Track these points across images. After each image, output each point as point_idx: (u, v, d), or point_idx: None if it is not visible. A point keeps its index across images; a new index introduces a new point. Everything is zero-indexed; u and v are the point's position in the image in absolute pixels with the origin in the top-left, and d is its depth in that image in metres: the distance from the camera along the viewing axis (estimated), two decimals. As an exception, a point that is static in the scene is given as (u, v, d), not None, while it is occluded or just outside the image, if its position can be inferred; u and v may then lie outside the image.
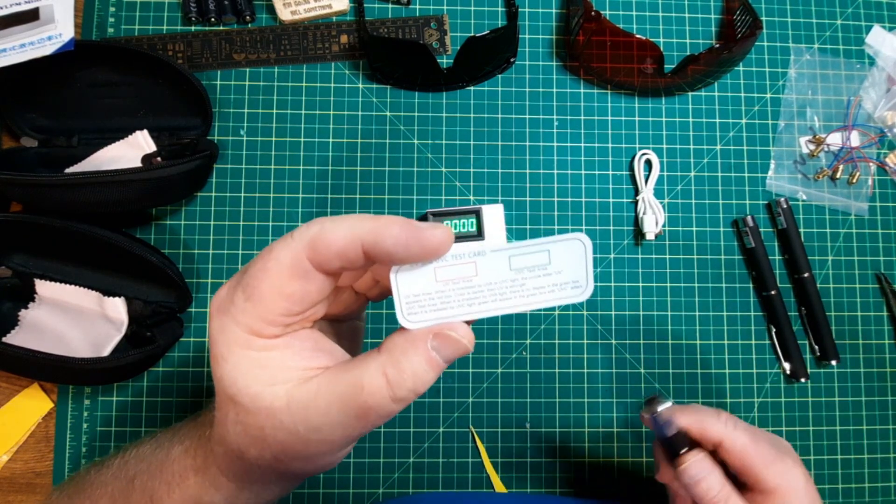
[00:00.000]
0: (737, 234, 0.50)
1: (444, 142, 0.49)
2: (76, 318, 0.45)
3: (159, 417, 0.46)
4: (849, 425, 0.48)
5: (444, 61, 0.50)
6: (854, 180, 0.50)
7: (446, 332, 0.21)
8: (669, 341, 0.48)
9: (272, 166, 0.48)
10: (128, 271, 0.45)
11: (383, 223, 0.20)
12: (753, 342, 0.49)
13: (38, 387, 0.46)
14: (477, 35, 0.44)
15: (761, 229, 0.49)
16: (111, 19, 0.49)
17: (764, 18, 0.51)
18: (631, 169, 0.49)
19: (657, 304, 0.49)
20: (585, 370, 0.48)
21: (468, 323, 0.22)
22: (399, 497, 0.46)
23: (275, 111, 0.49)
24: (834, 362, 0.48)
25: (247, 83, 0.49)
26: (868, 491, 0.48)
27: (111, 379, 0.43)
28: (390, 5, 0.50)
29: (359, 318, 0.29)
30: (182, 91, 0.46)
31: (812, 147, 0.50)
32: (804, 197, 0.50)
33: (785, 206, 0.49)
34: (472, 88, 0.50)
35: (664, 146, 0.50)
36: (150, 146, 0.46)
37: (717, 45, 0.48)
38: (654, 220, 0.48)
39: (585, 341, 0.48)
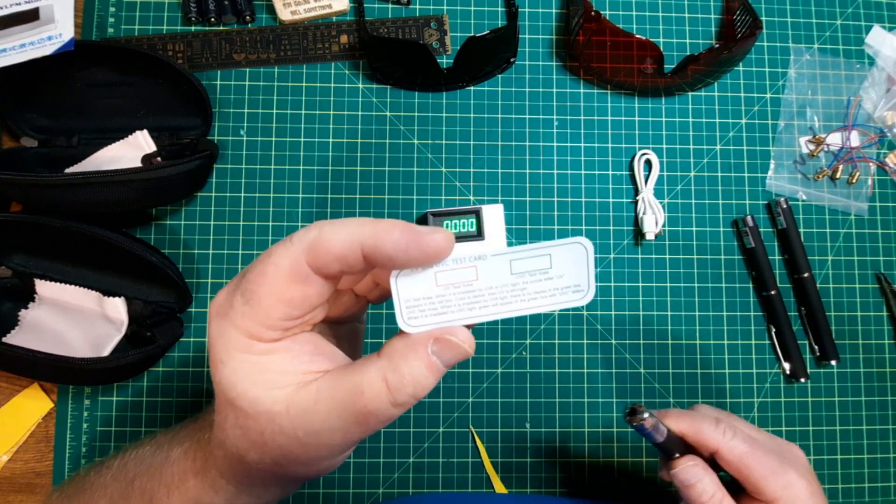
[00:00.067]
0: (737, 234, 0.50)
1: (444, 142, 0.49)
2: (76, 318, 0.45)
3: (159, 417, 0.46)
4: (849, 425, 0.48)
5: (444, 61, 0.50)
6: (854, 180, 0.50)
7: (447, 336, 0.21)
8: (669, 341, 0.48)
9: (272, 166, 0.48)
10: (128, 271, 0.45)
11: (384, 227, 0.20)
12: (753, 342, 0.49)
13: (38, 387, 0.46)
14: (477, 35, 0.44)
15: (761, 229, 0.49)
16: (111, 19, 0.49)
17: (764, 18, 0.51)
18: (631, 169, 0.49)
19: (657, 304, 0.49)
20: (585, 370, 0.48)
21: (469, 327, 0.22)
22: (399, 497, 0.46)
23: (275, 111, 0.49)
24: (834, 362, 0.48)
25: (247, 83, 0.49)
26: (868, 491, 0.48)
27: (111, 379, 0.43)
28: (390, 5, 0.50)
29: (359, 321, 0.29)
30: (182, 91, 0.46)
31: (812, 147, 0.50)
32: (804, 197, 0.50)
33: (785, 206, 0.49)
34: (472, 88, 0.50)
35: (664, 146, 0.50)
36: (150, 146, 0.46)
37: (717, 45, 0.48)
38: (654, 220, 0.48)
39: (585, 341, 0.48)
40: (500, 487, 0.46)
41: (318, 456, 0.22)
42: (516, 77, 0.50)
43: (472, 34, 0.46)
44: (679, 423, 0.34)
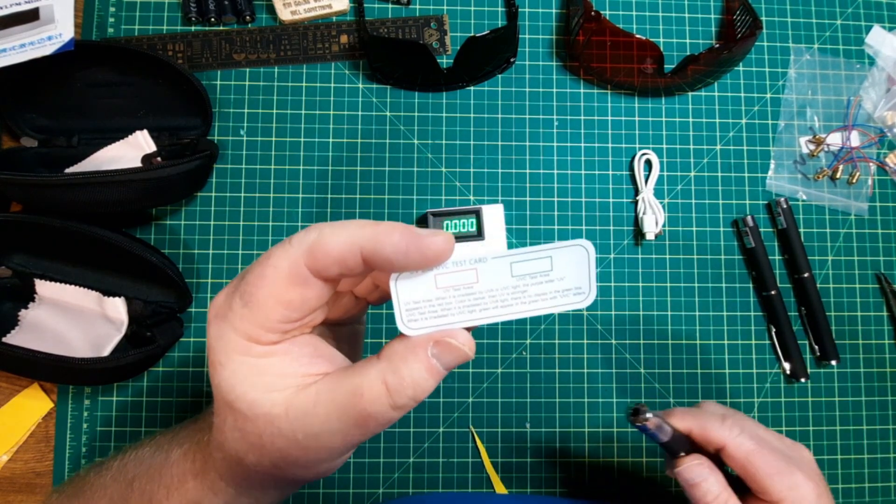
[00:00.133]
0: (737, 234, 0.50)
1: (444, 142, 0.49)
2: (76, 318, 0.45)
3: (159, 417, 0.46)
4: (849, 425, 0.48)
5: (444, 61, 0.50)
6: (854, 180, 0.50)
7: (447, 339, 0.21)
8: (669, 341, 0.48)
9: (272, 166, 0.48)
10: (128, 271, 0.45)
11: (383, 230, 0.20)
12: (753, 342, 0.49)
13: (38, 387, 0.46)
14: (477, 35, 0.44)
15: (761, 229, 0.49)
16: (111, 19, 0.49)
17: (764, 18, 0.51)
18: (631, 169, 0.49)
19: (657, 304, 0.49)
20: (585, 370, 0.48)
21: (469, 330, 0.22)
22: (399, 497, 0.46)
23: (275, 111, 0.49)
24: (834, 362, 0.48)
25: (247, 83, 0.49)
26: (868, 491, 0.48)
27: (111, 379, 0.43)
28: (390, 5, 0.50)
29: (359, 322, 0.29)
30: (182, 91, 0.46)
31: (812, 147, 0.50)
32: (804, 197, 0.50)
33: (785, 206, 0.49)
34: (472, 88, 0.50)
35: (664, 146, 0.50)
36: (150, 146, 0.46)
37: (717, 45, 0.48)
38: (654, 220, 0.48)
39: (585, 341, 0.48)
40: (500, 487, 0.46)
41: (317, 459, 0.22)
42: (516, 77, 0.50)
43: (472, 34, 0.46)
44: (684, 420, 0.33)
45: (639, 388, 0.48)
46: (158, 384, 0.46)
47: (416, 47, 0.44)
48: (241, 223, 0.48)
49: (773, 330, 0.48)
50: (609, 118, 0.50)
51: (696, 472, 0.32)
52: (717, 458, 0.33)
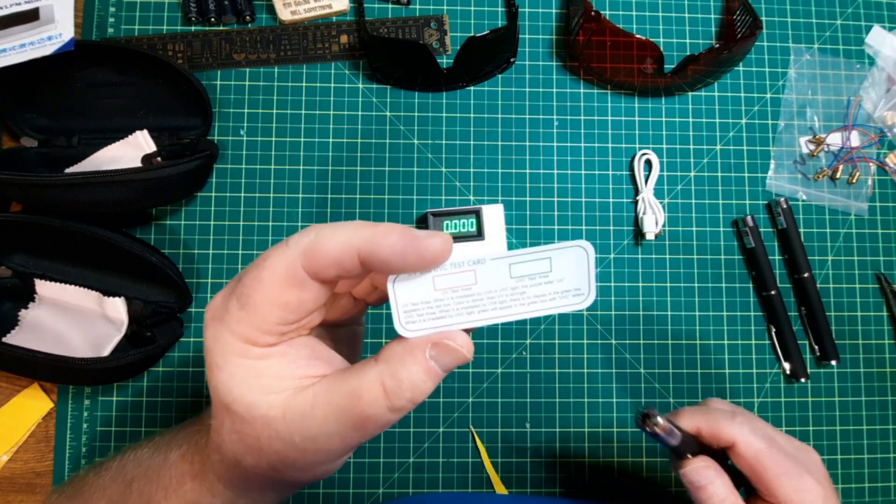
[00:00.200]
0: (737, 234, 0.50)
1: (444, 142, 0.49)
2: (76, 318, 0.45)
3: (159, 417, 0.46)
4: (849, 425, 0.48)
5: (444, 61, 0.50)
6: (854, 180, 0.50)
7: (445, 341, 0.21)
8: (669, 341, 0.48)
9: (272, 166, 0.48)
10: (128, 271, 0.45)
11: (381, 232, 0.20)
12: (753, 342, 0.49)
13: (38, 387, 0.46)
14: (477, 35, 0.44)
15: (761, 229, 0.49)
16: (111, 19, 0.49)
17: (764, 18, 0.51)
18: (631, 169, 0.49)
19: (657, 304, 0.49)
20: (585, 370, 0.48)
21: (468, 331, 0.22)
22: (399, 497, 0.46)
23: (275, 111, 0.49)
24: (834, 362, 0.48)
25: (247, 83, 0.49)
26: (868, 491, 0.48)
27: (111, 379, 0.43)
28: (390, 5, 0.50)
29: (358, 323, 0.28)
30: (182, 91, 0.46)
31: (812, 147, 0.50)
32: (804, 197, 0.50)
33: (785, 206, 0.49)
34: (472, 88, 0.50)
35: (664, 146, 0.50)
36: (150, 146, 0.46)
37: (717, 45, 0.48)
38: (654, 220, 0.48)
39: (585, 341, 0.48)
40: (500, 487, 0.46)
41: (315, 461, 0.22)
42: (516, 77, 0.50)
43: (472, 34, 0.46)
44: (693, 419, 0.32)
45: (639, 388, 0.48)
46: (158, 384, 0.46)
47: (416, 47, 0.44)
48: (241, 223, 0.48)
49: (773, 330, 0.48)
50: (609, 118, 0.50)
51: (703, 474, 0.31)
52: (721, 456, 0.32)
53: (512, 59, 0.50)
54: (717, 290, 0.49)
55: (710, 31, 0.51)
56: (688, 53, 0.50)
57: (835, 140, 0.50)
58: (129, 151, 0.46)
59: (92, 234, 0.42)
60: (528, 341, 0.48)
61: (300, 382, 0.21)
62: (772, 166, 0.50)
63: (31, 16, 0.44)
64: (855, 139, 0.51)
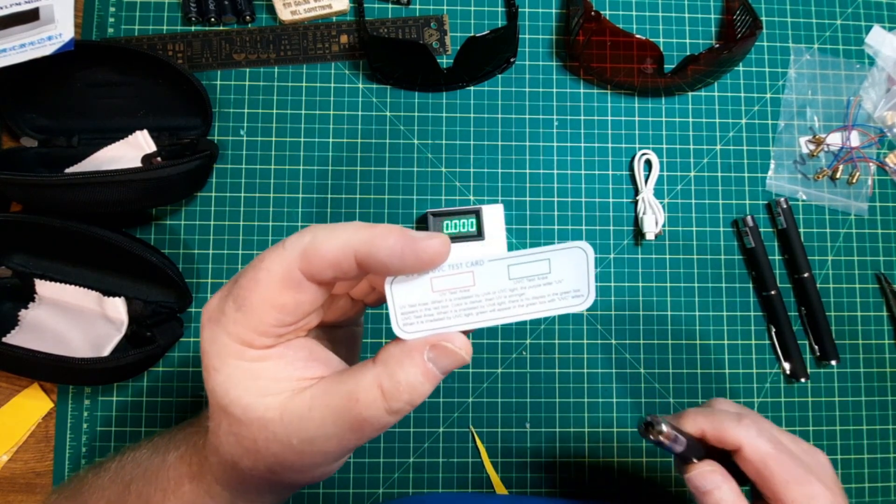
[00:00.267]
0: (737, 234, 0.50)
1: (444, 142, 0.49)
2: (76, 318, 0.45)
3: (159, 417, 0.46)
4: (849, 425, 0.48)
5: (444, 61, 0.50)
6: (854, 180, 0.50)
7: (443, 343, 0.21)
8: (669, 341, 0.48)
9: (272, 166, 0.48)
10: (128, 271, 0.45)
11: (378, 233, 0.20)
12: (753, 342, 0.49)
13: (38, 387, 0.46)
14: (477, 35, 0.44)
15: (761, 229, 0.49)
16: (111, 19, 0.49)
17: (764, 18, 0.51)
18: (631, 169, 0.49)
19: (657, 304, 0.49)
20: (585, 370, 0.48)
21: (466, 333, 0.22)
22: (399, 497, 0.46)
23: (275, 111, 0.49)
24: (834, 362, 0.48)
25: (247, 83, 0.49)
26: (868, 491, 0.48)
27: (111, 379, 0.43)
28: (390, 5, 0.50)
29: (356, 324, 0.28)
30: (182, 91, 0.46)
31: (812, 147, 0.50)
32: (804, 197, 0.50)
33: (785, 206, 0.49)
34: (472, 88, 0.50)
35: (664, 146, 0.50)
36: (150, 146, 0.46)
37: (717, 45, 0.48)
38: (654, 220, 0.48)
39: (585, 341, 0.48)
40: (500, 487, 0.46)
41: (312, 463, 0.22)
42: (516, 77, 0.50)
43: (472, 34, 0.46)
44: (697, 422, 0.31)
45: (639, 388, 0.48)
46: (158, 384, 0.46)
47: (416, 47, 0.44)
48: (241, 223, 0.48)
49: (773, 330, 0.48)
50: (609, 118, 0.50)
51: (709, 479, 0.30)
52: (727, 458, 0.31)
53: (512, 59, 0.50)
54: (717, 290, 0.49)
55: (710, 31, 0.51)
56: (688, 53, 0.50)
57: (835, 140, 0.50)
58: (129, 151, 0.46)
59: (92, 234, 0.42)
60: (528, 341, 0.48)
61: (298, 384, 0.21)
62: (772, 166, 0.50)
63: (31, 16, 0.44)
64: (855, 139, 0.51)
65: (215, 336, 0.21)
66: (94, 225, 0.42)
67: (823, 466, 0.31)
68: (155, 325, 0.44)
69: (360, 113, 0.49)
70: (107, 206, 0.42)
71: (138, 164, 0.45)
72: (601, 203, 0.49)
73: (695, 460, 0.31)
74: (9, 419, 0.45)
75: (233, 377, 0.21)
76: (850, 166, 0.50)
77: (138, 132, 0.46)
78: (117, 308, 0.44)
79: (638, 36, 0.45)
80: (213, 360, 0.21)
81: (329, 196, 0.48)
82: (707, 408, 0.33)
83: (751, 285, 0.49)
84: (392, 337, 0.22)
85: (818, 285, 0.49)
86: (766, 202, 0.50)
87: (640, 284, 0.49)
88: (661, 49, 0.45)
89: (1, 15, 0.44)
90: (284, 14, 0.48)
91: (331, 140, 0.49)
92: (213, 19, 0.48)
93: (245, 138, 0.48)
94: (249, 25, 0.49)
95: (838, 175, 0.50)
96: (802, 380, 0.48)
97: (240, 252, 0.47)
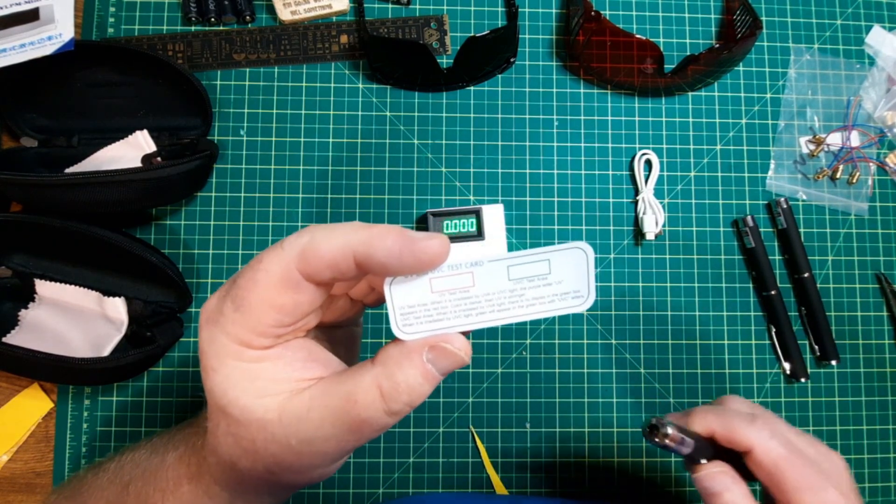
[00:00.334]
0: (737, 234, 0.50)
1: (444, 142, 0.49)
2: (76, 318, 0.45)
3: (159, 417, 0.46)
4: (849, 425, 0.48)
5: (444, 61, 0.50)
6: (854, 180, 0.50)
7: (442, 344, 0.21)
8: (669, 341, 0.48)
9: (272, 166, 0.48)
10: (128, 271, 0.45)
11: (377, 233, 0.20)
12: (753, 342, 0.49)
13: (38, 387, 0.46)
14: (477, 35, 0.44)
15: (761, 229, 0.49)
16: (111, 19, 0.49)
17: (764, 18, 0.51)
18: (631, 169, 0.49)
19: (657, 304, 0.49)
20: (585, 370, 0.48)
21: (465, 334, 0.22)
22: (399, 497, 0.46)
23: (275, 111, 0.49)
24: (834, 362, 0.48)
25: (247, 83, 0.49)
26: (868, 491, 0.48)
27: (111, 379, 0.43)
28: (390, 5, 0.50)
29: (356, 324, 0.28)
30: (182, 91, 0.46)
31: (812, 147, 0.50)
32: (804, 197, 0.50)
33: (785, 206, 0.48)
34: (472, 88, 0.50)
35: (664, 146, 0.50)
36: (150, 146, 0.46)
37: (717, 45, 0.48)
38: (654, 220, 0.48)
39: (585, 341, 0.48)
40: (500, 487, 0.46)
41: (311, 464, 0.22)
42: (516, 77, 0.50)
43: (472, 34, 0.46)
44: (706, 420, 0.30)
45: (639, 388, 0.48)
46: (158, 384, 0.46)
47: (416, 47, 0.44)
48: (241, 223, 0.48)
49: (773, 330, 0.48)
50: (609, 118, 0.50)
51: (719, 480, 0.29)
52: (738, 458, 0.30)
53: (512, 59, 0.50)
54: (717, 290, 0.49)
55: (710, 31, 0.51)
56: (688, 53, 0.50)
57: (835, 140, 0.50)
58: (129, 151, 0.46)
59: (92, 234, 0.42)
60: (528, 341, 0.48)
61: (296, 385, 0.21)
62: (772, 166, 0.50)
63: (31, 16, 0.44)
64: (855, 139, 0.51)
65: (213, 336, 0.21)
66: (94, 225, 0.42)
67: (840, 471, 0.30)
68: (155, 325, 0.44)
69: (360, 113, 0.49)
70: (107, 206, 0.42)
71: (138, 164, 0.45)
72: (601, 203, 0.49)
73: (703, 461, 0.30)
74: (9, 419, 0.45)
75: (231, 378, 0.21)
76: (850, 166, 0.50)
77: (138, 132, 0.46)
78: (117, 308, 0.44)
79: (638, 36, 0.45)
80: (212, 361, 0.21)
81: (329, 196, 0.48)
82: (717, 406, 0.32)
83: (751, 285, 0.49)
84: (391, 337, 0.22)
85: (818, 285, 0.49)
86: (766, 202, 0.50)
87: (640, 284, 0.49)
88: (661, 49, 0.45)
89: (1, 15, 0.44)
90: (284, 14, 0.48)
91: (331, 140, 0.49)
92: (213, 19, 0.48)
93: (245, 138, 0.48)
94: (249, 25, 0.49)
95: (838, 175, 0.50)
96: (802, 380, 0.48)
97: (240, 252, 0.47)
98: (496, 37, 0.44)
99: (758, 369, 0.49)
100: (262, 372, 0.21)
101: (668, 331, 0.48)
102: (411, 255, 0.20)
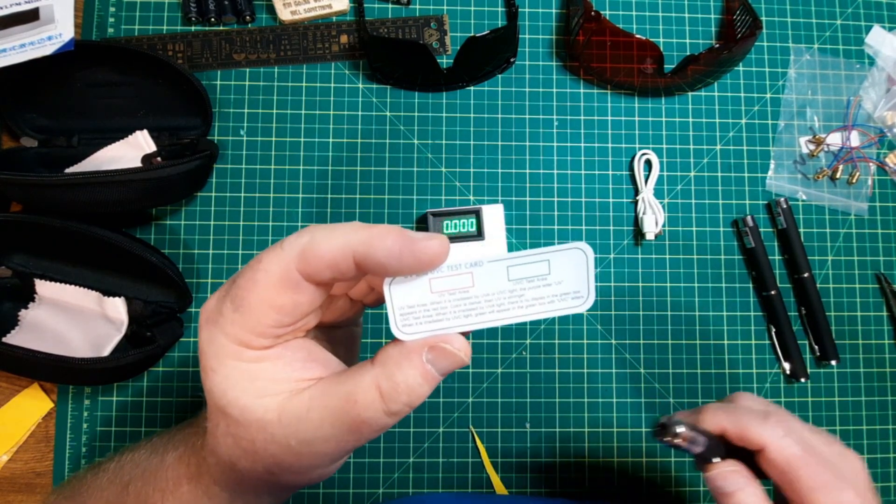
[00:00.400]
0: (737, 234, 0.50)
1: (444, 142, 0.49)
2: (76, 318, 0.45)
3: (159, 417, 0.46)
4: (849, 425, 0.48)
5: (444, 61, 0.50)
6: (854, 180, 0.50)
7: (442, 344, 0.21)
8: (669, 341, 0.48)
9: (272, 166, 0.48)
10: (128, 271, 0.45)
11: (377, 234, 0.20)
12: (753, 342, 0.49)
13: (38, 387, 0.46)
14: (477, 35, 0.44)
15: (761, 229, 0.49)
16: (111, 19, 0.49)
17: (764, 18, 0.51)
18: (631, 169, 0.49)
19: (657, 304, 0.49)
20: (585, 370, 0.48)
21: (465, 334, 0.22)
22: (399, 497, 0.46)
23: (275, 111, 0.49)
24: (834, 362, 0.48)
25: (247, 83, 0.49)
26: (868, 491, 0.48)
27: (111, 379, 0.43)
28: (390, 5, 0.50)
29: (355, 324, 0.28)
30: (182, 91, 0.46)
31: (812, 147, 0.50)
32: (804, 197, 0.50)
33: (785, 206, 0.48)
34: (472, 88, 0.50)
35: (664, 146, 0.50)
36: (150, 146, 0.46)
37: (717, 45, 0.48)
38: (654, 220, 0.48)
39: (585, 341, 0.48)
40: (500, 487, 0.46)
41: (310, 465, 0.22)
42: (516, 77, 0.50)
43: (472, 34, 0.46)
44: (717, 418, 0.29)
45: (639, 388, 0.48)
46: (158, 384, 0.46)
47: (416, 47, 0.44)
48: (241, 223, 0.48)
49: (773, 330, 0.48)
50: (609, 118, 0.50)
51: (732, 480, 0.28)
52: (750, 456, 0.29)
53: (512, 59, 0.50)
54: (717, 290, 0.49)
55: (710, 31, 0.51)
56: (688, 53, 0.50)
57: (835, 140, 0.50)
58: (129, 151, 0.46)
59: (92, 234, 0.42)
60: (528, 341, 0.48)
61: (296, 385, 0.21)
62: (772, 166, 0.50)
63: (31, 16, 0.44)
64: (855, 139, 0.51)
65: (213, 336, 0.21)
66: (94, 225, 0.42)
67: (856, 471, 0.29)
68: (155, 325, 0.44)
69: (360, 113, 0.49)
70: (107, 206, 0.42)
71: (138, 164, 0.45)
72: (601, 203, 0.49)
73: (715, 460, 0.29)
74: (9, 419, 0.45)
75: (230, 378, 0.21)
76: (850, 166, 0.50)
77: (138, 132, 0.46)
78: (117, 308, 0.44)
79: (638, 36, 0.45)
80: (211, 361, 0.21)
81: (329, 196, 0.48)
82: (729, 403, 0.31)
83: (751, 285, 0.49)
84: (391, 337, 0.22)
85: (818, 285, 0.49)
86: (766, 202, 0.50)
87: (640, 284, 0.49)
88: (661, 49, 0.45)
89: (1, 15, 0.44)
90: (284, 14, 0.48)
91: (331, 140, 0.49)
92: (213, 19, 0.48)
93: (245, 138, 0.48)
94: (249, 25, 0.49)
95: (838, 175, 0.50)
96: (802, 380, 0.48)
97: (240, 252, 0.47)
98: (496, 37, 0.44)
99: (758, 369, 0.49)
100: (262, 372, 0.21)
101: (669, 331, 0.48)
102: (411, 256, 0.20)
